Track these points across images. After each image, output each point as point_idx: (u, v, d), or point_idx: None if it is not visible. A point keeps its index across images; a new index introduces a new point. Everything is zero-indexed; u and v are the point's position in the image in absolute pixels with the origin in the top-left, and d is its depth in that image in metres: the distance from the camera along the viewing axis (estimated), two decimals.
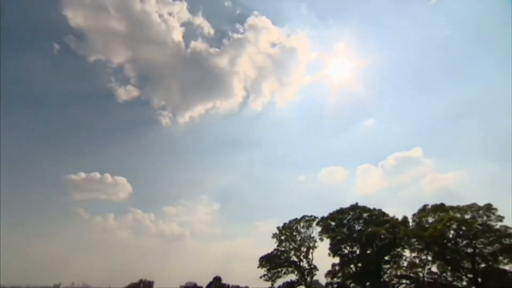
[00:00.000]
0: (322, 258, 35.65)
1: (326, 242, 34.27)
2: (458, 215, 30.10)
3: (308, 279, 35.04)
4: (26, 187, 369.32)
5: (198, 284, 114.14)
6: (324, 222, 34.15)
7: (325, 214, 35.54)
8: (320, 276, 38.04)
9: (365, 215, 33.32)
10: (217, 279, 53.74)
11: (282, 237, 36.25)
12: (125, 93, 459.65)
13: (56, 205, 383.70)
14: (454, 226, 29.91)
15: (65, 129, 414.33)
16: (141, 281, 65.24)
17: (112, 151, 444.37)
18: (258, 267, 36.08)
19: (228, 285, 54.94)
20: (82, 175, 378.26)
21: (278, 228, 36.91)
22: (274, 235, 36.53)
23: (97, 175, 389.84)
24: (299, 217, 36.66)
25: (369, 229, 31.20)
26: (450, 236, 30.37)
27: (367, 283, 31.25)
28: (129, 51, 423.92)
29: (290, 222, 36.87)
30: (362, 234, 31.93)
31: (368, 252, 32.22)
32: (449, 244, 30.16)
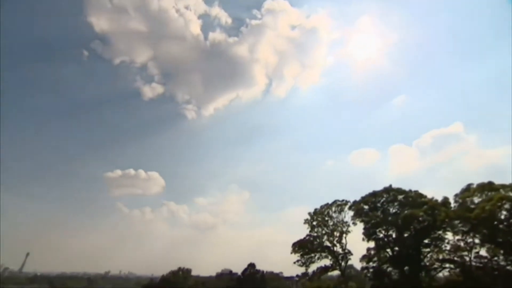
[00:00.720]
0: (356, 242, 35.02)
1: (360, 226, 33.47)
2: (511, 194, 27.47)
3: (343, 263, 34.70)
4: (73, 187, 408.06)
5: (233, 271, 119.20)
6: (356, 206, 33.23)
7: (357, 198, 34.61)
8: (355, 261, 37.49)
9: (400, 197, 31.76)
10: (251, 265, 55.42)
11: (314, 223, 36.12)
12: (151, 90, 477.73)
13: (99, 201, 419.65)
14: (507, 206, 27.40)
15: (100, 130, 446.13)
16: (179, 269, 69.30)
17: (143, 148, 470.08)
18: (291, 253, 36.52)
19: (263, 271, 56.34)
20: (119, 172, 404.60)
21: (309, 214, 36.84)
22: (306, 221, 36.55)
23: (132, 171, 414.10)
24: (330, 202, 36.21)
25: (406, 212, 29.74)
26: (502, 217, 27.91)
27: (406, 267, 30.06)
28: (151, 50, 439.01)
29: (322, 207, 36.54)
30: (398, 217, 30.58)
31: (406, 235, 30.83)
32: (500, 226, 27.77)
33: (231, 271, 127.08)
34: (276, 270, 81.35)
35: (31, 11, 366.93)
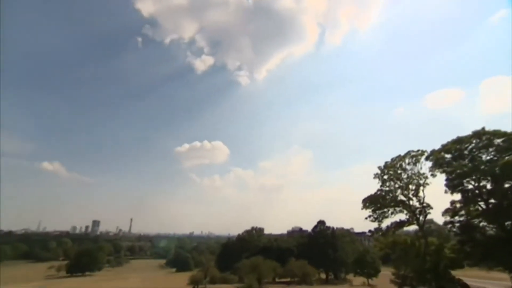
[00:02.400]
0: (436, 195, 32.04)
1: (440, 177, 30.09)
2: None
3: (421, 218, 32.51)
4: (154, 162, 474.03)
5: (303, 229, 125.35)
6: (435, 156, 29.52)
7: (435, 147, 30.64)
8: (435, 215, 34.70)
9: (497, 141, 26.67)
10: (321, 222, 57.10)
11: (385, 177, 34.07)
12: (202, 63, 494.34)
13: (175, 173, 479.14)
14: None
15: (163, 108, 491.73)
16: (253, 228, 75.88)
17: (204, 120, 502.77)
18: (362, 209, 35.86)
19: (333, 228, 57.58)
20: (186, 146, 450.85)
21: (379, 168, 34.72)
22: (376, 176, 34.72)
23: (197, 143, 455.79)
24: (402, 154, 33.24)
25: (507, 158, 25.13)
26: None
27: (507, 222, 26.26)
28: (196, 23, 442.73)
29: (393, 160, 33.91)
30: (494, 165, 26.12)
31: (506, 186, 26.43)
32: None
33: (301, 229, 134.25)
34: (346, 226, 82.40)
35: (88, 11, 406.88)
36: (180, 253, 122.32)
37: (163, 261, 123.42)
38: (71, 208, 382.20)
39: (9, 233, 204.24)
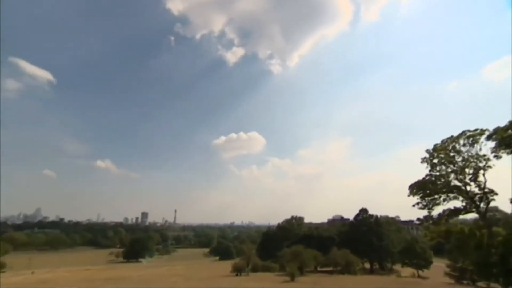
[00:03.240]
0: (502, 180, 28.36)
1: (507, 159, 26.36)
2: None
3: (481, 205, 29.10)
4: (191, 156, 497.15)
5: (344, 217, 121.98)
6: (501, 134, 25.67)
7: (495, 125, 26.69)
8: (500, 202, 30.72)
9: None
10: (363, 210, 54.75)
11: (435, 160, 31.03)
12: (233, 55, 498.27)
13: (215, 165, 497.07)
14: None
15: (200, 103, 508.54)
16: (292, 217, 75.85)
17: (239, 111, 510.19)
18: (408, 196, 33.40)
19: (376, 216, 54.86)
20: (223, 138, 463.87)
21: (427, 151, 31.71)
22: (424, 160, 31.82)
23: (234, 135, 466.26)
24: (455, 135, 29.82)
25: None
26: None
27: None
28: (225, 15, 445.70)
29: (444, 141, 30.64)
30: None
31: None
32: None
33: (342, 217, 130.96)
34: (390, 214, 77.97)
35: (123, 17, 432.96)
36: (222, 242, 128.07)
37: (206, 250, 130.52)
38: (123, 201, 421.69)
39: (77, 224, 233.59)
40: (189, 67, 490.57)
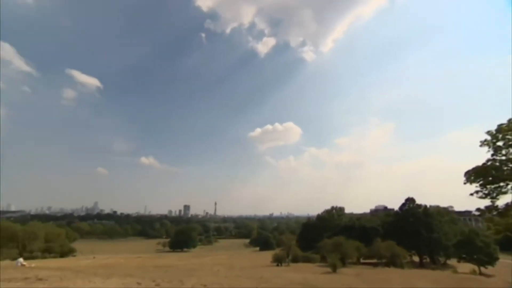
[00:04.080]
0: None
1: None
2: None
3: None
4: (228, 149, 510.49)
5: (389, 207, 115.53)
6: None
7: None
8: None
9: None
10: (410, 200, 51.03)
11: (500, 143, 27.26)
12: (264, 46, 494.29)
13: (251, 157, 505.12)
14: None
15: (234, 96, 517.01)
16: (332, 207, 74.07)
17: (273, 102, 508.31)
18: (464, 183, 30.09)
19: (425, 205, 50.79)
20: (258, 130, 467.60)
21: (489, 132, 27.98)
22: (485, 142, 28.20)
23: (269, 127, 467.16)
24: None
25: None
26: None
27: None
28: (253, 5, 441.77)
29: (511, 121, 26.80)
30: None
31: None
32: None
33: (385, 207, 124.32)
34: (442, 204, 71.53)
35: (155, 18, 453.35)
36: (262, 233, 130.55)
37: (246, 241, 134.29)
38: (166, 194, 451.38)
39: (127, 216, 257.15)
40: (221, 62, 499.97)
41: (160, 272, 24.64)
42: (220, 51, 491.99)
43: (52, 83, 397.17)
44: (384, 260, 39.03)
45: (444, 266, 47.12)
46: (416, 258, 48.66)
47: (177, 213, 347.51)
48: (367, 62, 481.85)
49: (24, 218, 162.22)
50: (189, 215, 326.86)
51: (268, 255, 49.35)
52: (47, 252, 70.38)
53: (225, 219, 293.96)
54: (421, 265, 45.74)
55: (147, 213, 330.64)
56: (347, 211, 76.08)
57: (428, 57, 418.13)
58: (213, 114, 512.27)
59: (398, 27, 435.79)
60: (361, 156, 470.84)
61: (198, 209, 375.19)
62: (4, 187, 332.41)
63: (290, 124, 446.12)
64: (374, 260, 42.12)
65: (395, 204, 55.53)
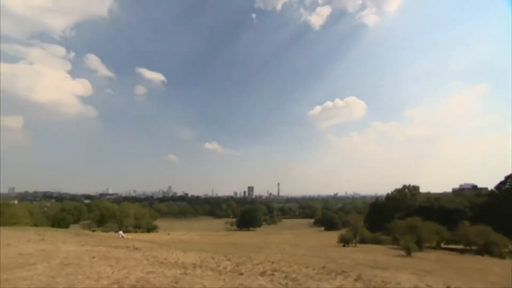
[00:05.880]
0: None
1: None
2: None
3: None
4: (288, 129, 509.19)
5: (479, 186, 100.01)
6: None
7: None
8: None
9: None
10: (510, 177, 43.27)
11: None
12: (318, 17, 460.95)
13: (311, 136, 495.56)
14: None
15: (290, 75, 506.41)
16: (405, 186, 68.42)
17: (332, 77, 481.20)
18: None
19: None
20: (318, 108, 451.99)
21: None
22: None
23: (329, 103, 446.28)
24: None
25: None
26: None
27: None
28: None
29: None
30: None
31: None
32: None
33: (474, 186, 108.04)
34: None
35: (207, 6, 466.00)
36: (326, 213, 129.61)
37: (311, 221, 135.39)
38: (230, 177, 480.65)
39: (197, 197, 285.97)
40: (274, 40, 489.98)
41: (230, 248, 27.23)
42: (272, 30, 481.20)
43: (126, 82, 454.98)
44: (474, 247, 34.78)
45: None
46: None
47: (242, 194, 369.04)
48: (443, 17, 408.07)
49: (118, 200, 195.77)
50: (253, 196, 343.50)
51: (333, 235, 49.16)
52: (137, 227, 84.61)
53: (288, 200, 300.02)
54: None
55: (214, 195, 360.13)
56: (423, 190, 69.30)
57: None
58: (271, 95, 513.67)
59: None
60: (439, 128, 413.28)
61: (261, 190, 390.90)
62: (104, 174, 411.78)
63: (352, 99, 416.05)
64: (460, 246, 37.83)
65: (487, 182, 47.81)
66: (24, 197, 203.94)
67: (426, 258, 25.92)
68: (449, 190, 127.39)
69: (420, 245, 32.65)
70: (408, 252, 27.39)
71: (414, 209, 50.36)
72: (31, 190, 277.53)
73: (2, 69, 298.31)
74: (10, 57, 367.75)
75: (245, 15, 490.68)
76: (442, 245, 40.22)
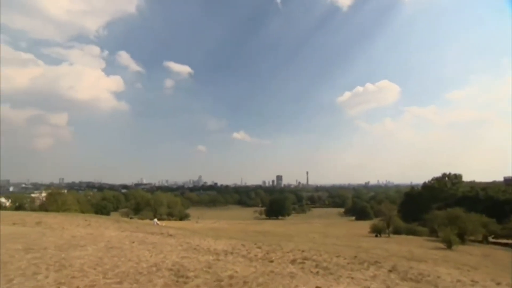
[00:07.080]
0: None
1: None
2: None
3: None
4: (316, 116, 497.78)
5: None
6: None
7: None
8: None
9: None
10: None
11: None
12: None
13: (340, 123, 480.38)
14: None
15: (317, 60, 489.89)
16: (444, 174, 64.38)
17: (362, 61, 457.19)
18: None
19: None
20: (348, 94, 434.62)
21: None
22: None
23: (359, 88, 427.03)
24: None
25: None
26: None
27: None
28: None
29: None
30: None
31: None
32: None
33: None
34: None
35: None
36: (357, 202, 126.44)
37: (341, 210, 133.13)
38: (259, 166, 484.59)
39: (226, 187, 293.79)
40: (300, 25, 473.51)
41: (259, 237, 27.80)
42: (298, 14, 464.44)
43: (155, 76, 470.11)
44: None
45: None
46: None
47: (270, 183, 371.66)
48: None
49: (152, 189, 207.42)
50: (282, 185, 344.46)
51: (365, 225, 48.05)
52: (170, 215, 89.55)
53: (317, 188, 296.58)
54: None
55: (243, 184, 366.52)
56: (466, 178, 64.72)
57: None
58: (297, 82, 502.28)
59: None
60: (489, 111, 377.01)
61: (290, 179, 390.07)
62: (138, 165, 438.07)
63: (384, 83, 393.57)
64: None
65: None
66: (71, 187, 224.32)
67: (470, 252, 24.40)
68: (499, 179, 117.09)
69: (463, 238, 30.76)
70: (449, 245, 25.93)
71: (455, 199, 47.35)
72: (76, 180, 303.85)
73: (48, 72, 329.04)
74: (53, 60, 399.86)
75: (269, 0, 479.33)
76: (491, 240, 37.35)
